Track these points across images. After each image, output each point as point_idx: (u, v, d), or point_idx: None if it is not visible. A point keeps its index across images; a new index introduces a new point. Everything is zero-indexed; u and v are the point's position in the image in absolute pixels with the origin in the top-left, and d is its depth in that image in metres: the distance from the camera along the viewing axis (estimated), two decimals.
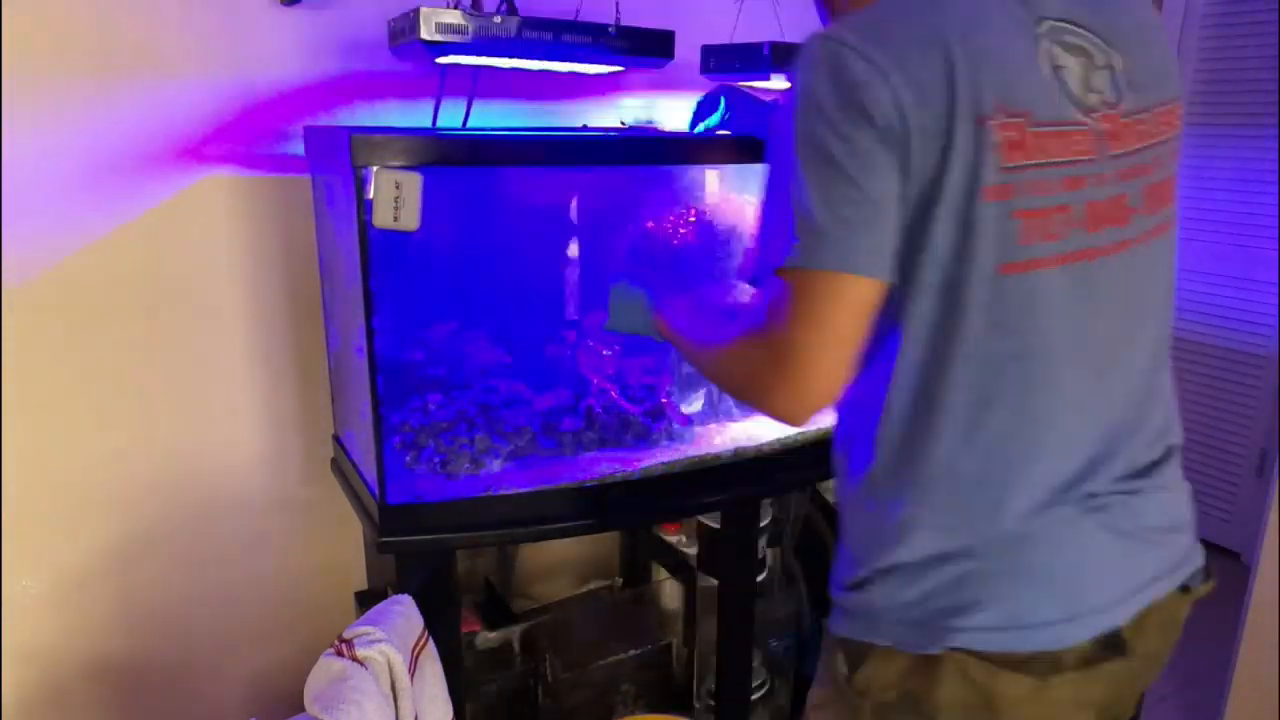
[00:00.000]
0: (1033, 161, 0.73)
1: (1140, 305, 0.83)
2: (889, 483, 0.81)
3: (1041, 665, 0.76)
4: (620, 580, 1.85)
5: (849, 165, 0.71)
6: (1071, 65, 0.76)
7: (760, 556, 1.70)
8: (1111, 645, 0.78)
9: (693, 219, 1.50)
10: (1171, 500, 0.87)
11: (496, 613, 1.63)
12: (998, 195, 0.72)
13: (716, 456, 1.45)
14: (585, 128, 1.71)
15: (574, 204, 1.52)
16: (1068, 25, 0.78)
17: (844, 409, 0.88)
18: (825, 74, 0.72)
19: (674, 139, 1.44)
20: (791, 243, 0.73)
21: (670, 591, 1.82)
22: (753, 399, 0.79)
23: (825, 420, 0.88)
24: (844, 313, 0.73)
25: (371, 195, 1.10)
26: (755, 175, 1.57)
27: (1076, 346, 0.77)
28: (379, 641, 1.01)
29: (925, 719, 0.79)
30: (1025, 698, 0.77)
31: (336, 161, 1.24)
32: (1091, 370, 0.78)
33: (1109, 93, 0.78)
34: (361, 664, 0.98)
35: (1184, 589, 0.85)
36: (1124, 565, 0.80)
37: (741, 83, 1.57)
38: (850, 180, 0.71)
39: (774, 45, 1.41)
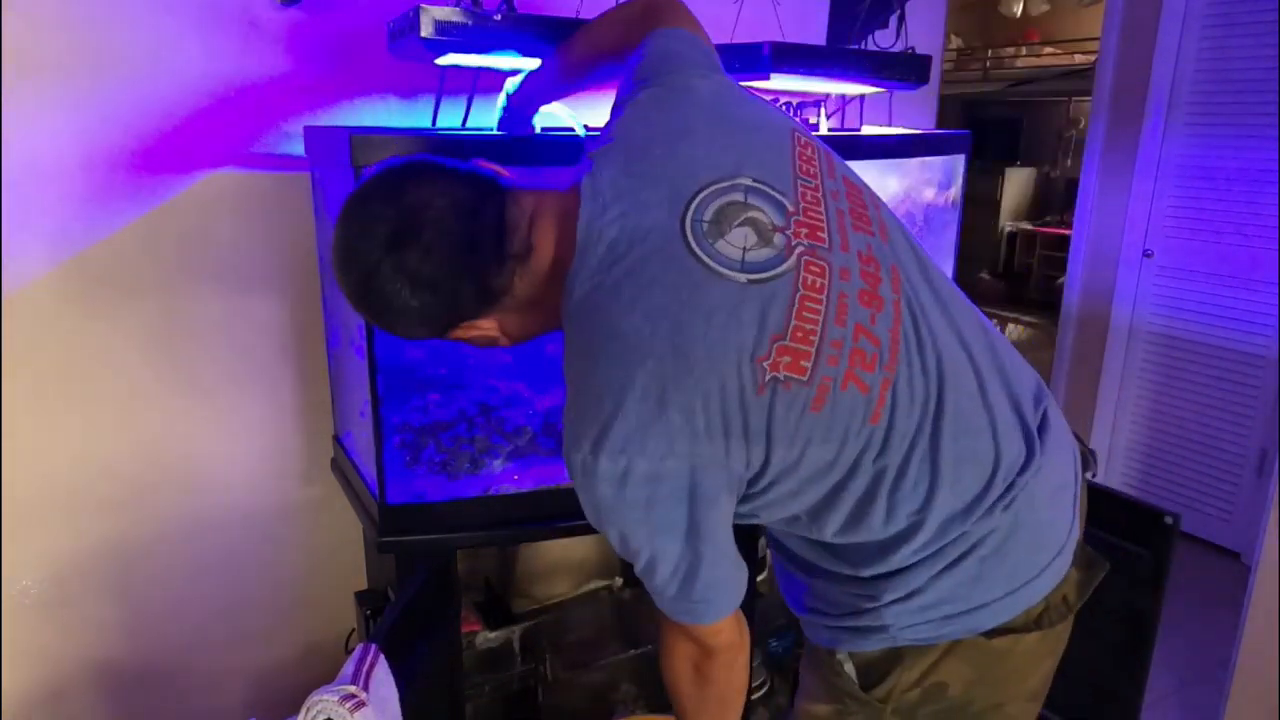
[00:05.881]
0: (801, 341, 0.78)
1: None
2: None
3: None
4: (620, 580, 1.85)
5: (694, 537, 0.79)
6: (743, 233, 0.79)
7: (760, 556, 1.70)
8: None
9: None
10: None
11: (496, 613, 1.63)
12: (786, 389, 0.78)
13: None
14: (588, 128, 1.71)
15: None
16: (711, 189, 0.80)
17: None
18: (634, 481, 0.76)
19: None
20: (680, 603, 0.84)
21: None
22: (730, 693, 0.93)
23: None
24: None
25: None
26: None
27: None
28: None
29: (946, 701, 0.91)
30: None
31: (336, 161, 1.24)
32: None
33: (772, 213, 0.80)
34: None
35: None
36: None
37: (741, 83, 1.56)
38: (700, 549, 0.80)
39: (774, 45, 1.41)
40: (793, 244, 0.79)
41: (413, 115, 1.58)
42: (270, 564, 1.68)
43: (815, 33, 1.83)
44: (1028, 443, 0.87)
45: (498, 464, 1.37)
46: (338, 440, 1.58)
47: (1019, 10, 5.42)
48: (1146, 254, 2.82)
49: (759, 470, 0.79)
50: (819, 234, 0.81)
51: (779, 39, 1.46)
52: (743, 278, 0.77)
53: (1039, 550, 0.88)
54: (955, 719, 0.92)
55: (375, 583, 1.66)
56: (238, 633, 1.68)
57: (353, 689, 0.97)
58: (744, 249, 0.78)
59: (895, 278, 0.84)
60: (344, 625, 1.75)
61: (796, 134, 0.89)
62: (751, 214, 0.79)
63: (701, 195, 0.79)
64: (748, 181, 0.81)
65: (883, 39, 1.71)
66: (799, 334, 0.77)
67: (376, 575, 1.64)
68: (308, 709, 0.95)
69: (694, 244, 0.77)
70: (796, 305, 0.77)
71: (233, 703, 1.70)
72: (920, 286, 0.86)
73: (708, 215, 0.78)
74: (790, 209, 0.81)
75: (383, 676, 1.05)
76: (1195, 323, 2.74)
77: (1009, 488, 0.85)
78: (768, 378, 0.75)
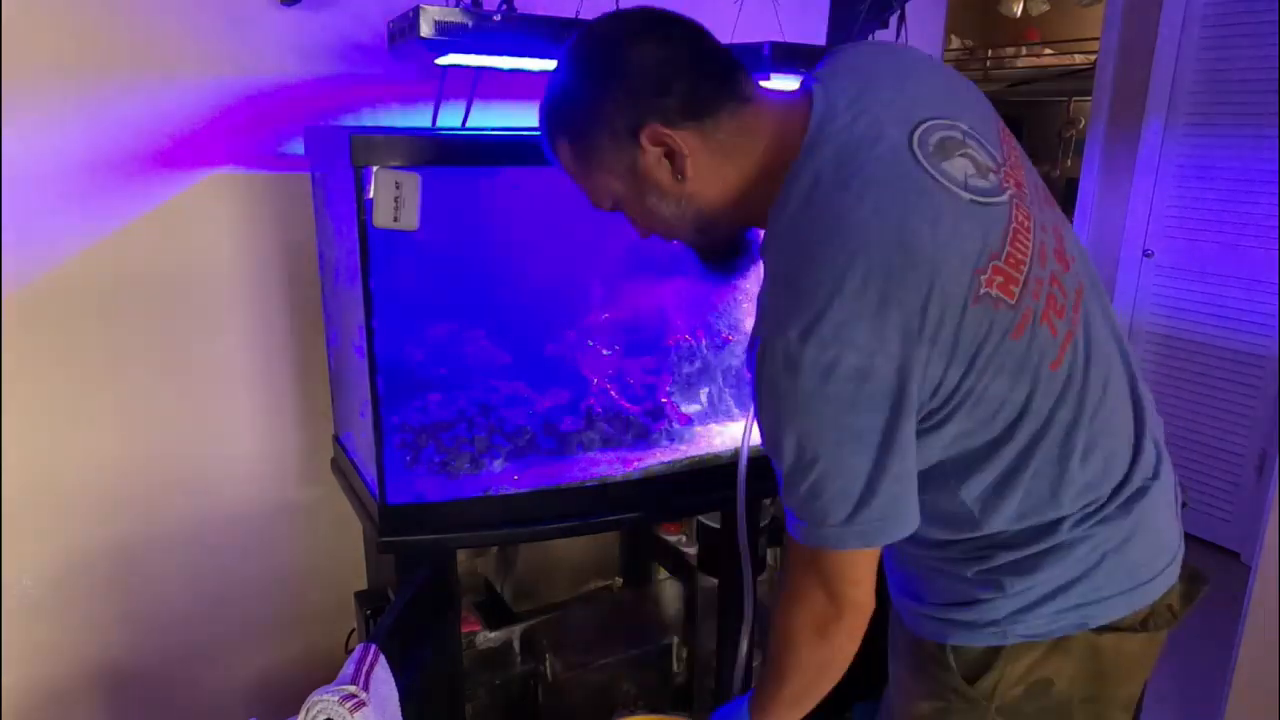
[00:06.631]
0: (1013, 268, 0.79)
1: None
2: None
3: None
4: (620, 580, 1.85)
5: (885, 449, 0.76)
6: (964, 163, 0.80)
7: (760, 556, 1.70)
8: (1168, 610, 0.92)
9: None
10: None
11: (496, 613, 1.63)
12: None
13: (716, 456, 1.45)
14: None
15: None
16: (932, 122, 0.81)
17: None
18: (840, 375, 0.73)
19: None
20: (847, 527, 0.79)
21: (670, 591, 1.82)
22: (837, 654, 0.88)
23: None
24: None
25: (371, 195, 1.10)
26: None
27: None
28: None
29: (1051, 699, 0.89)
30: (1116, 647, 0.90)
31: (336, 161, 1.24)
32: None
33: (985, 157, 0.83)
34: None
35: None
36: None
37: None
38: (886, 462, 0.76)
39: (774, 45, 1.41)
40: (1004, 185, 0.81)
41: (413, 115, 1.58)
42: (270, 564, 1.68)
43: (815, 33, 1.83)
44: (1156, 450, 0.92)
45: (498, 464, 1.37)
46: (338, 440, 1.58)
47: (1019, 10, 5.41)
48: (1146, 254, 2.82)
49: (944, 398, 0.78)
50: (1022, 189, 0.84)
51: (779, 39, 1.46)
52: (966, 195, 0.78)
53: (1157, 554, 0.90)
54: (1057, 716, 0.91)
55: (375, 583, 1.66)
56: (238, 633, 1.68)
57: (353, 689, 0.97)
58: (966, 175, 0.79)
59: (1073, 254, 0.88)
60: (344, 625, 1.75)
61: (997, 116, 0.92)
62: (969, 151, 0.81)
63: (926, 124, 0.81)
64: (964, 127, 0.83)
65: (883, 39, 1.71)
66: (1012, 260, 0.78)
67: (376, 575, 1.64)
68: (308, 709, 0.95)
69: (921, 159, 0.78)
70: (1010, 234, 0.79)
71: (233, 703, 1.70)
72: (1085, 273, 0.90)
73: (931, 141, 0.80)
74: (1000, 160, 0.84)
75: (383, 676, 1.05)
76: (1195, 323, 2.74)
77: (1141, 489, 0.88)
78: (982, 292, 0.76)
